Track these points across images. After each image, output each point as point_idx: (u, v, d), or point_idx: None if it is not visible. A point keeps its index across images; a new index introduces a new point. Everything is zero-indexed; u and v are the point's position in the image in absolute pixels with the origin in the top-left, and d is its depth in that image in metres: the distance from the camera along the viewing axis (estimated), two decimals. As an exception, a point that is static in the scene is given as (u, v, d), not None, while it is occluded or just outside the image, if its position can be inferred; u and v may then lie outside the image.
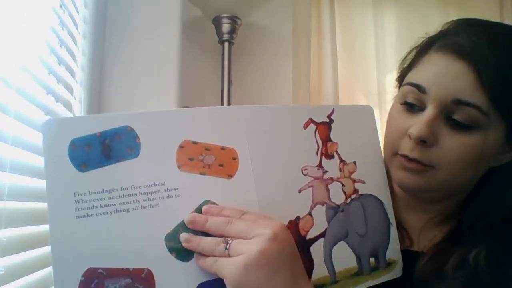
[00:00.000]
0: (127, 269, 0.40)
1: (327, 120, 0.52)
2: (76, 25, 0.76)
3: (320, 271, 0.48)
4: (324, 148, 0.51)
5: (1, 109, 0.47)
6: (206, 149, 0.45)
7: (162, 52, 0.93)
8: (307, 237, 0.48)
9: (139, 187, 0.42)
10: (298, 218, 0.48)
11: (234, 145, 0.46)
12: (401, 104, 0.54)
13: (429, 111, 0.50)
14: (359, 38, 1.59)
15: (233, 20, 1.14)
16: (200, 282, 0.42)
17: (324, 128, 0.52)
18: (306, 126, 0.50)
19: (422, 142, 0.50)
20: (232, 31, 1.15)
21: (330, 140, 0.52)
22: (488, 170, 0.53)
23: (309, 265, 0.47)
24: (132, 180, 0.42)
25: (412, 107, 0.53)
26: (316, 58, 1.48)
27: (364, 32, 1.60)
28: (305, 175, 0.49)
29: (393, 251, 0.53)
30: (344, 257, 0.50)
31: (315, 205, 0.49)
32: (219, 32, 1.16)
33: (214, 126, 0.46)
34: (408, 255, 0.54)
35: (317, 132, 0.51)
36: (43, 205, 0.43)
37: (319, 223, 0.49)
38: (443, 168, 0.50)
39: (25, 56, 0.53)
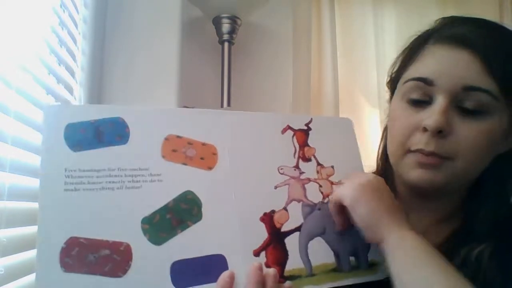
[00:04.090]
0: (107, 241, 0.43)
1: (305, 127, 0.56)
2: (76, 25, 0.76)
3: (295, 262, 0.49)
4: (301, 152, 0.55)
5: (1, 109, 0.47)
6: (189, 143, 0.49)
7: (162, 52, 0.93)
8: (282, 229, 0.50)
9: (125, 169, 0.45)
10: (273, 211, 0.50)
11: (214, 143, 0.50)
12: (405, 101, 0.54)
13: (441, 101, 0.50)
14: (359, 38, 1.59)
15: (233, 20, 1.14)
16: (175, 260, 0.44)
17: (302, 134, 0.55)
18: (284, 131, 0.54)
19: (438, 133, 0.49)
20: (232, 31, 1.15)
21: (308, 145, 0.55)
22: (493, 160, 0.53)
23: (283, 256, 0.49)
24: (119, 163, 0.45)
25: (418, 102, 0.52)
26: (316, 58, 1.48)
27: (364, 32, 1.60)
28: (281, 173, 0.52)
29: (376, 253, 0.52)
30: (321, 252, 0.51)
31: (290, 201, 0.52)
32: (219, 32, 1.16)
33: (197, 125, 0.50)
34: None
35: (294, 138, 0.55)
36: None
37: (294, 218, 0.51)
38: (461, 157, 0.50)
39: (25, 56, 0.53)
